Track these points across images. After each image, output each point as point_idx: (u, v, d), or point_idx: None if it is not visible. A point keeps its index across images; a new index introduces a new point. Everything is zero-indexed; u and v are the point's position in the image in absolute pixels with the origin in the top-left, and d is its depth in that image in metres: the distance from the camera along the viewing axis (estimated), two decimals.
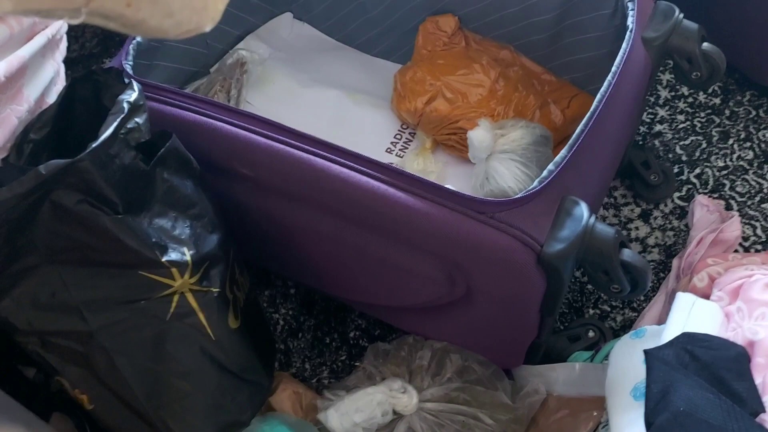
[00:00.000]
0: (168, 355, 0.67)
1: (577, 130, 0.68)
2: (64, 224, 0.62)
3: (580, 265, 0.65)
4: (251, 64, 1.06)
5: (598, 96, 0.71)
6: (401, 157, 1.01)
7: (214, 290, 0.68)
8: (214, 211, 0.71)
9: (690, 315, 0.66)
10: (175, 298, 0.66)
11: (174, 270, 0.64)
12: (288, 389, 0.78)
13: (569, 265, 0.64)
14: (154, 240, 0.63)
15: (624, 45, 0.76)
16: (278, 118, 1.04)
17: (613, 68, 0.73)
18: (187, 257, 0.65)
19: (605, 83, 0.72)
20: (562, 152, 0.67)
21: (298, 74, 1.09)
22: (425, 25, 1.04)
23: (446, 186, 0.67)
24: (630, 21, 0.78)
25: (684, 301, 0.68)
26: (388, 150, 1.02)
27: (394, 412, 0.75)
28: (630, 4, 0.80)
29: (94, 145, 0.60)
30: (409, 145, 1.03)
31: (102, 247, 0.63)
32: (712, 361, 0.57)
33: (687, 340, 0.60)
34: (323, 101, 1.05)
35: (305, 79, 1.08)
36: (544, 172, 0.66)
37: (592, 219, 0.63)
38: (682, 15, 0.80)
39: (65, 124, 0.68)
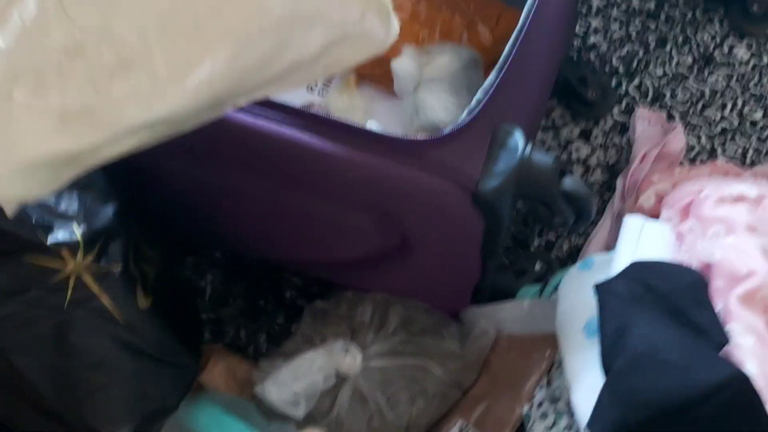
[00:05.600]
0: (74, 348, 0.60)
1: (505, 52, 0.61)
2: None
3: (519, 198, 0.59)
4: None
5: (525, 12, 0.64)
6: (323, 96, 0.93)
7: (115, 269, 0.60)
8: (105, 179, 0.62)
9: (639, 240, 0.62)
10: (71, 282, 0.58)
11: (64, 251, 0.57)
12: (219, 364, 0.72)
13: (507, 202, 0.58)
14: (34, 220, 0.55)
15: None
16: None
17: None
18: (77, 235, 0.57)
19: None
20: (490, 77, 0.60)
21: None
22: None
23: (367, 127, 0.60)
24: None
25: (632, 224, 0.63)
26: (309, 89, 0.94)
27: (338, 375, 0.70)
28: None
29: None
30: (330, 82, 0.95)
31: None
32: (668, 291, 0.52)
33: (639, 269, 0.56)
34: None
35: None
36: (473, 102, 0.59)
37: (528, 148, 0.57)
38: None
39: None
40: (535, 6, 0.64)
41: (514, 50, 0.61)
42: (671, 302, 0.52)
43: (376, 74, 0.91)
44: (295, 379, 0.68)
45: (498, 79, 0.59)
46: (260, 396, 0.68)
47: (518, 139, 0.58)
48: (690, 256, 0.59)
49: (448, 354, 0.71)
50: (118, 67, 0.44)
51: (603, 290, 0.54)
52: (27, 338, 0.58)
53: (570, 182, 0.58)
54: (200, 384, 0.70)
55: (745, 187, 0.65)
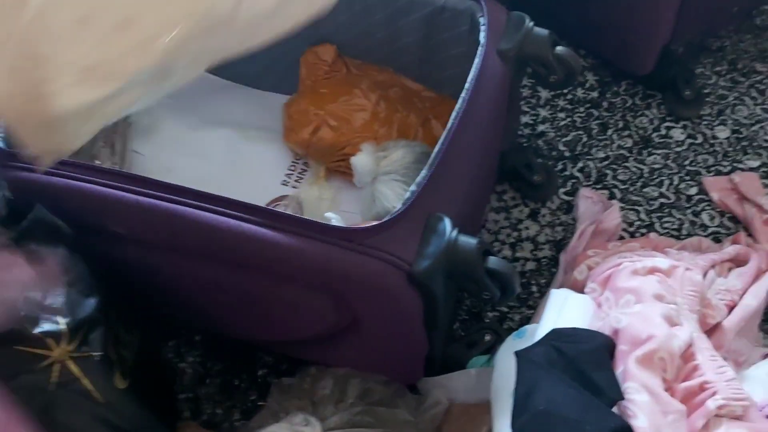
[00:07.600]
0: (59, 425, 0.66)
1: (435, 150, 0.71)
2: None
3: (449, 276, 0.67)
4: (136, 114, 1.05)
5: (453, 113, 0.73)
6: (297, 189, 1.02)
7: (95, 354, 0.68)
8: (90, 274, 0.70)
9: (561, 310, 0.69)
10: (56, 367, 0.65)
11: (50, 340, 0.64)
12: None
13: (439, 280, 0.66)
14: (24, 314, 0.63)
15: (476, 60, 0.78)
16: (169, 165, 1.05)
17: (466, 84, 0.76)
18: (62, 326, 0.65)
19: (459, 100, 0.74)
20: (423, 172, 0.69)
21: (187, 118, 1.09)
22: (306, 56, 1.06)
23: (317, 219, 0.69)
24: (481, 36, 0.81)
25: (556, 297, 0.71)
26: (284, 182, 1.03)
27: None
28: (481, 20, 0.83)
29: None
30: (304, 175, 1.04)
31: None
32: (575, 355, 0.59)
33: (555, 336, 0.63)
34: (214, 142, 1.06)
35: (195, 122, 1.08)
36: (407, 194, 0.68)
37: (455, 232, 0.66)
38: (532, 23, 0.83)
39: None
40: (462, 109, 0.73)
41: (443, 148, 0.70)
42: (577, 365, 0.58)
43: (342, 167, 1.01)
44: None
45: (429, 174, 0.68)
46: None
47: (446, 224, 0.66)
48: (604, 324, 0.66)
49: (403, 423, 0.77)
50: (120, 26, 0.52)
51: (521, 357, 0.61)
52: None
53: (493, 260, 0.66)
54: None
55: (660, 260, 0.73)
